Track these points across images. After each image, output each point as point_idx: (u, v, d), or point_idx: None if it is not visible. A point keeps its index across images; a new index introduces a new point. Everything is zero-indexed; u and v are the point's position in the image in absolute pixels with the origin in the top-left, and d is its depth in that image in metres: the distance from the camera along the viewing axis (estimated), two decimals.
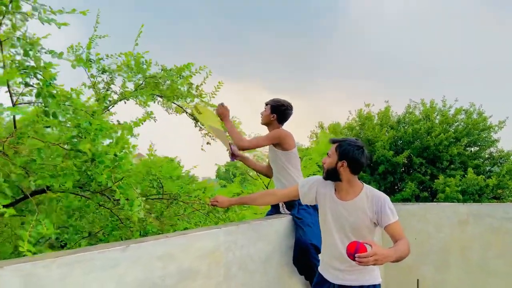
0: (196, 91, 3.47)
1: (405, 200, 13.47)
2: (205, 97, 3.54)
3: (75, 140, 2.42)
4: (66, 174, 2.46)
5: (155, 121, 3.33)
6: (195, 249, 2.15)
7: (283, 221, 2.92)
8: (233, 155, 3.32)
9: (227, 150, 3.34)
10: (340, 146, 2.24)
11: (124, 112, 3.40)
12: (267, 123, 3.24)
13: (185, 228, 3.30)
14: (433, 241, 3.51)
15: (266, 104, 3.25)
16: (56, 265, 1.50)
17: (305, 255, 2.81)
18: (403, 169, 14.42)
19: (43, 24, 2.49)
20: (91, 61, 3.23)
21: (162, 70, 3.33)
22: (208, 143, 3.69)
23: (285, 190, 2.67)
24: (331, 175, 2.27)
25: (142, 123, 2.87)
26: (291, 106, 3.23)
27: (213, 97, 3.59)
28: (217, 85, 3.56)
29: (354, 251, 1.90)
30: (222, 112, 3.21)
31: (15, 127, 2.72)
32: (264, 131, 3.33)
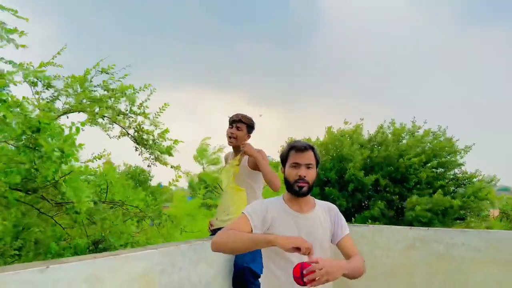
0: (139, 109, 3.50)
1: (374, 218, 13.62)
2: (148, 115, 3.58)
3: (25, 137, 2.55)
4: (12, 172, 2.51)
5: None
6: (124, 272, 2.08)
7: None
8: None
9: None
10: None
11: None
12: (240, 144, 2.91)
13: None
14: (380, 266, 3.52)
15: (236, 122, 2.89)
16: None
17: (240, 279, 2.70)
18: (370, 187, 14.62)
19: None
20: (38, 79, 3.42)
21: (106, 90, 3.48)
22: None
23: (235, 225, 1.87)
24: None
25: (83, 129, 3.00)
26: None
27: (157, 116, 3.67)
28: (162, 107, 3.64)
29: (300, 271, 1.54)
30: (249, 150, 2.78)
31: None
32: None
